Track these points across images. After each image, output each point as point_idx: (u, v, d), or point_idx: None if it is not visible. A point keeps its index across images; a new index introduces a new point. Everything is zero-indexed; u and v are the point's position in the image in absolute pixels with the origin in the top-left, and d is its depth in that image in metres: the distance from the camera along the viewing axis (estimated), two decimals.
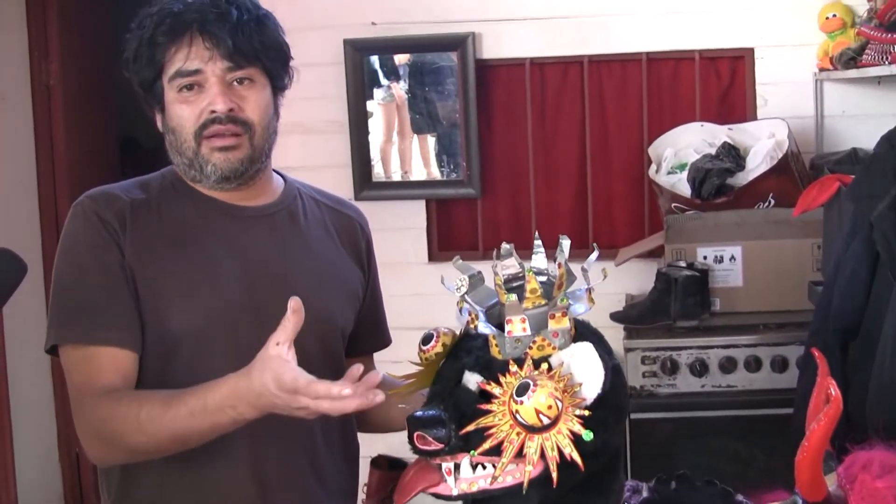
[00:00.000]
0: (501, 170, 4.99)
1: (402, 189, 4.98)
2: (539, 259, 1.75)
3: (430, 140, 5.04)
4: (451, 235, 5.08)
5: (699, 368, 3.87)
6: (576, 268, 1.67)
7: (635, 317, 4.04)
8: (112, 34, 5.98)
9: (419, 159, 5.03)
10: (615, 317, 4.11)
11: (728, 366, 3.87)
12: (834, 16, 4.44)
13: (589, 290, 1.69)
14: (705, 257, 4.08)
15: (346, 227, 2.36)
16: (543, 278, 1.71)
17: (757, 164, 4.17)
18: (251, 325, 2.06)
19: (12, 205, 5.17)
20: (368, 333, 2.42)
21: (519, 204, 5.01)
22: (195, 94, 2.08)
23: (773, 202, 4.10)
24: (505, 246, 1.75)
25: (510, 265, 1.73)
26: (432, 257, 5.02)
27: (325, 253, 2.28)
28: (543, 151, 4.93)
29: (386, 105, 4.98)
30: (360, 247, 2.38)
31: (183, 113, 2.09)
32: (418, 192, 4.99)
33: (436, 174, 5.02)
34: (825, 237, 3.68)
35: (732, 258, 4.06)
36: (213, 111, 2.07)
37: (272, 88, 2.17)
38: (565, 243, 1.68)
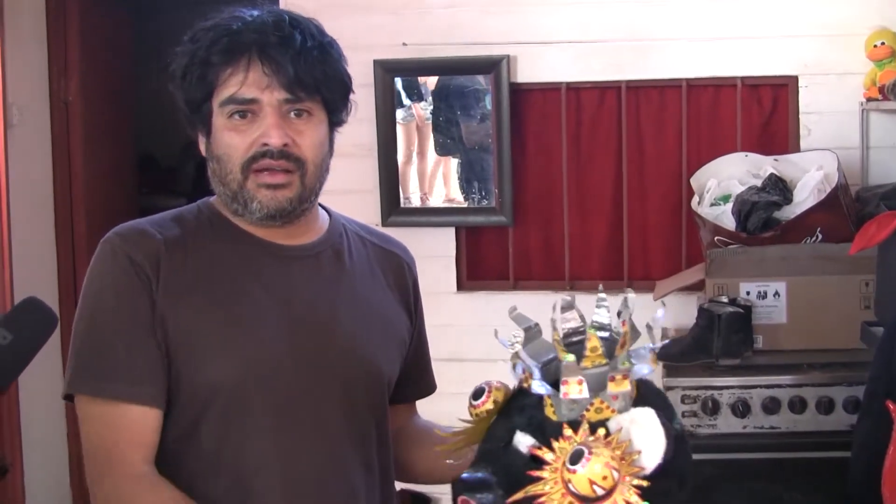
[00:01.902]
0: (534, 197, 4.89)
1: (432, 216, 4.87)
2: (602, 314, 1.64)
3: (453, 162, 4.95)
4: (480, 264, 4.98)
5: (741, 409, 3.75)
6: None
7: (676, 354, 3.90)
8: (132, 51, 5.97)
9: (440, 181, 4.94)
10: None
11: (771, 406, 3.74)
12: (882, 43, 4.32)
13: (653, 350, 1.58)
14: (748, 293, 3.95)
15: (392, 267, 2.20)
16: (605, 334, 1.61)
17: (804, 197, 4.04)
18: (292, 378, 1.93)
19: (29, 221, 5.14)
20: (413, 381, 2.27)
21: (551, 233, 4.90)
22: (247, 123, 1.91)
23: (820, 237, 3.97)
24: (566, 298, 1.64)
25: (570, 318, 1.63)
26: (461, 286, 4.90)
27: (372, 296, 2.12)
28: (578, 179, 4.83)
29: (406, 125, 4.91)
30: (408, 288, 2.23)
31: (232, 142, 1.92)
32: (448, 219, 4.89)
33: (455, 196, 4.93)
34: (881, 275, 3.53)
35: (776, 294, 3.93)
36: (265, 144, 1.90)
37: (329, 123, 2.00)
38: (631, 298, 1.56)
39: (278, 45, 1.90)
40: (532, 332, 1.62)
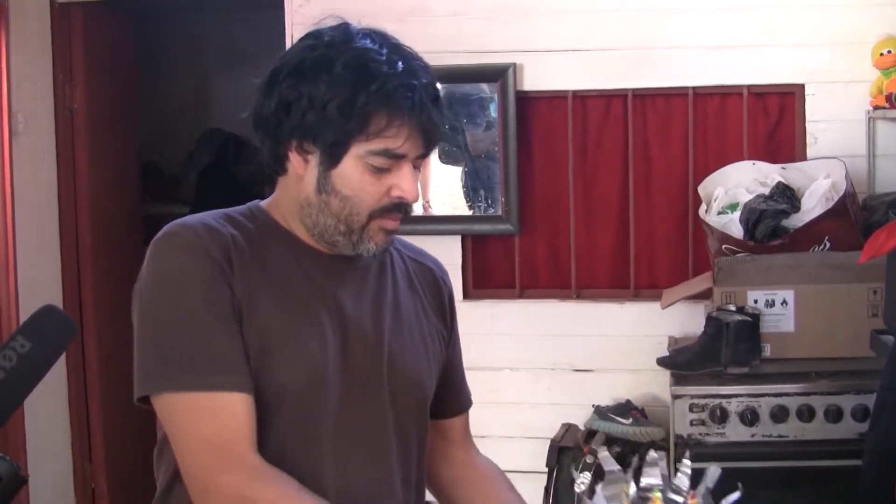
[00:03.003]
0: (540, 206, 4.88)
1: (438, 224, 4.85)
2: (683, 479, 1.72)
3: (456, 171, 4.93)
4: (487, 273, 4.98)
5: (749, 417, 3.75)
6: None
7: (684, 363, 3.90)
8: (136, 59, 5.98)
9: (443, 190, 4.93)
10: (662, 362, 3.99)
11: (780, 415, 3.75)
12: (889, 52, 4.31)
13: None
14: (756, 301, 3.95)
15: (430, 282, 2.20)
16: (680, 499, 1.69)
17: (812, 205, 4.05)
18: (342, 388, 1.93)
19: (33, 227, 5.15)
20: (452, 396, 2.26)
21: (558, 241, 4.89)
22: (386, 172, 1.91)
23: (828, 245, 3.97)
24: (653, 454, 1.72)
25: (652, 475, 1.71)
26: (468, 295, 4.89)
27: (413, 311, 2.12)
28: (584, 187, 4.82)
29: None
30: (444, 302, 2.21)
31: (369, 188, 1.90)
32: (454, 227, 4.88)
33: (459, 205, 4.92)
34: (890, 283, 3.53)
35: (784, 302, 3.94)
36: (400, 197, 1.91)
37: None
38: (712, 472, 1.61)
39: (432, 108, 1.89)
40: (614, 476, 1.70)
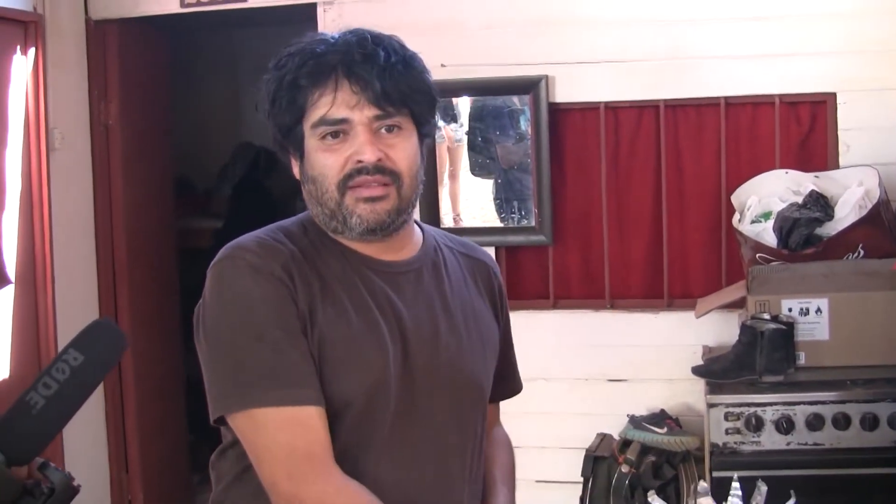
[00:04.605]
0: (573, 217, 4.89)
1: (471, 235, 4.79)
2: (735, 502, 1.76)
3: (487, 183, 4.95)
4: (520, 284, 4.99)
5: (785, 425, 3.75)
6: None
7: (719, 371, 3.90)
8: (169, 74, 6.02)
9: (473, 202, 4.94)
10: (698, 371, 3.99)
11: (815, 423, 3.74)
12: None
13: None
14: (790, 309, 3.94)
15: (482, 275, 2.24)
16: None
17: (846, 213, 4.04)
18: (404, 391, 1.97)
19: (70, 241, 5.18)
20: (503, 381, 2.30)
21: (591, 252, 4.91)
22: (340, 142, 1.95)
23: (862, 253, 3.97)
24: (703, 485, 1.79)
25: None
26: None
27: (469, 308, 2.15)
28: (617, 198, 4.84)
29: (437, 146, 4.91)
30: (494, 293, 2.26)
31: (326, 162, 1.95)
32: (487, 239, 4.87)
33: (490, 217, 4.93)
34: None
35: (819, 311, 3.92)
36: (359, 161, 1.94)
37: (419, 135, 2.03)
38: (762, 489, 1.65)
39: (363, 63, 1.93)
40: None
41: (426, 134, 2.06)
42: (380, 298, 2.00)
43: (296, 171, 2.05)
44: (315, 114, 1.94)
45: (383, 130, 1.96)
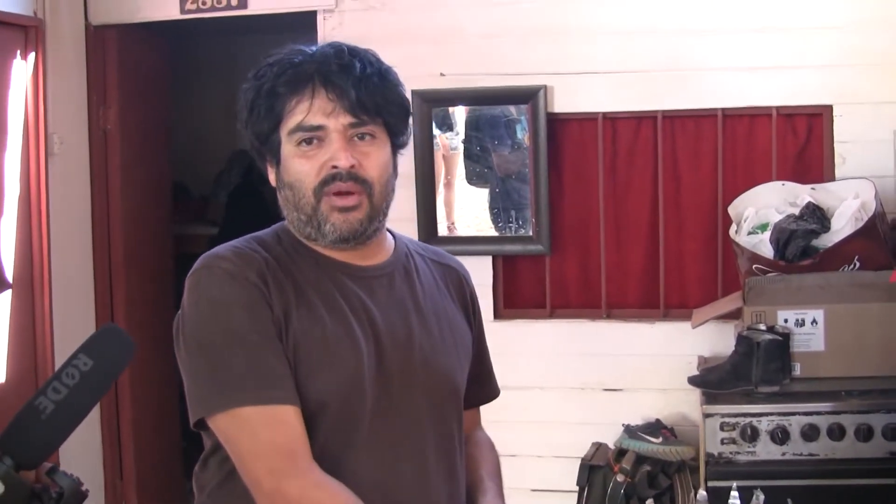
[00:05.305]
0: (571, 226, 4.91)
1: (469, 244, 4.87)
2: None
3: (483, 192, 4.96)
4: (517, 293, 5.00)
5: (780, 436, 3.76)
6: None
7: (715, 381, 3.92)
8: (168, 81, 6.02)
9: (467, 211, 4.95)
10: (694, 381, 4.00)
11: (810, 433, 3.75)
12: None
13: None
14: (786, 320, 3.96)
15: (454, 281, 2.29)
16: None
17: (842, 225, 4.05)
18: (379, 393, 2.01)
19: (68, 246, 5.19)
20: (479, 386, 2.34)
21: (588, 262, 4.92)
22: (315, 149, 2.01)
23: (858, 265, 3.98)
24: (702, 494, 1.85)
25: None
26: (498, 315, 4.92)
27: (441, 311, 2.20)
28: (614, 208, 4.85)
29: (433, 154, 4.92)
30: (467, 299, 2.31)
31: (302, 168, 2.01)
32: (485, 248, 4.90)
33: (484, 227, 4.93)
34: None
35: (814, 322, 3.94)
36: (334, 167, 1.99)
37: (392, 146, 2.08)
38: (760, 498, 1.67)
39: (340, 73, 1.99)
40: None
41: (399, 145, 2.11)
42: (353, 302, 2.04)
43: (272, 177, 2.10)
44: (292, 120, 2.00)
45: (356, 139, 2.01)
